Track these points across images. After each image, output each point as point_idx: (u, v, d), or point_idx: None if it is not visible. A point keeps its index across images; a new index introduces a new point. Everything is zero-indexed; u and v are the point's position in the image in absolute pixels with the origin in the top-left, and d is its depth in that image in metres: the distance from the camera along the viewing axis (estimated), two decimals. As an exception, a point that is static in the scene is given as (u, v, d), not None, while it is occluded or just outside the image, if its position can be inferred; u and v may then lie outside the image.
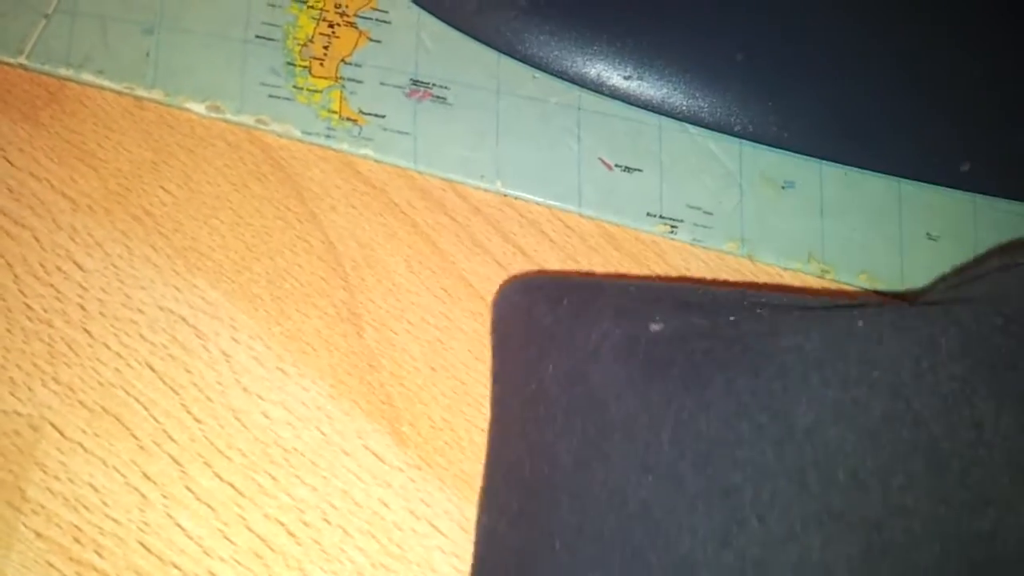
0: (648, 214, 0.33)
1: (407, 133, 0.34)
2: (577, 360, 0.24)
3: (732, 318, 0.23)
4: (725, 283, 0.33)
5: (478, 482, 0.29)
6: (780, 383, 0.21)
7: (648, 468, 0.21)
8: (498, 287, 0.31)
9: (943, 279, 0.31)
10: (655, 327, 0.23)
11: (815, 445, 0.21)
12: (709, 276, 0.33)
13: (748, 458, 0.21)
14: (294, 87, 0.34)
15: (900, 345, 0.21)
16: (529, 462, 0.24)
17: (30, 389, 0.29)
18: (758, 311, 0.23)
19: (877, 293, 0.33)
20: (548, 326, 0.25)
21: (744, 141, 0.34)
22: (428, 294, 0.32)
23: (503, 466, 0.26)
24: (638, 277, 0.32)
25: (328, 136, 0.33)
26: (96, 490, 0.28)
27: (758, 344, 0.22)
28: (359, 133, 0.33)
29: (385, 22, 0.35)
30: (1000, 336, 0.21)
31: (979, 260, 0.32)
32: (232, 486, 0.29)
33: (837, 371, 0.21)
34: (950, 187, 0.35)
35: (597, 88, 0.34)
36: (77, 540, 0.28)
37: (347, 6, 0.35)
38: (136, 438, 0.29)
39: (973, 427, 0.20)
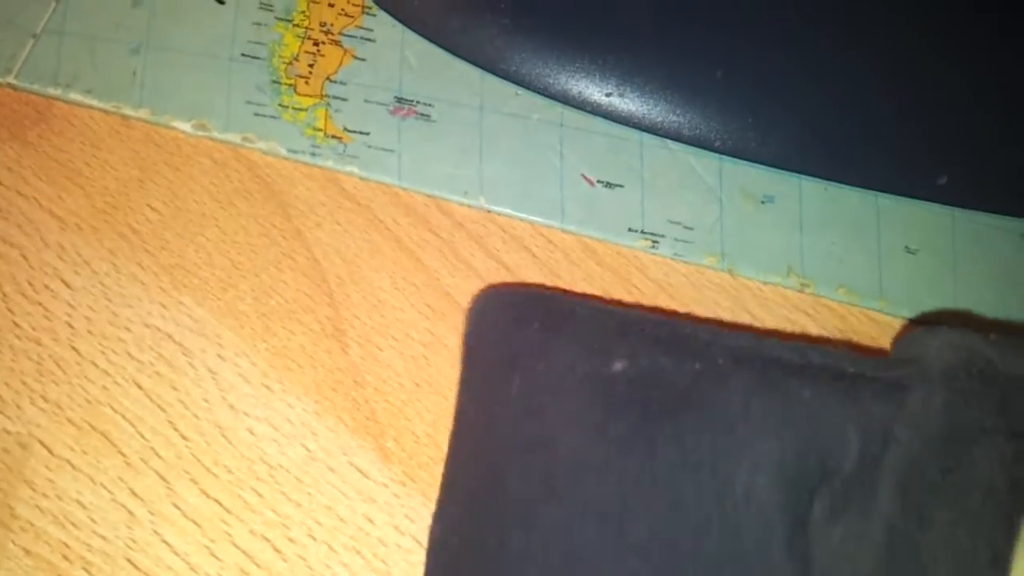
0: (629, 229, 0.34)
1: (391, 150, 0.34)
2: (538, 391, 0.24)
3: (697, 366, 0.23)
4: (699, 319, 0.33)
5: (461, 497, 0.30)
6: (725, 440, 0.22)
7: (592, 513, 0.22)
8: (475, 294, 0.31)
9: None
10: (618, 366, 0.23)
11: (752, 505, 0.21)
12: (690, 289, 0.34)
13: (689, 513, 0.22)
14: (280, 105, 0.34)
15: (839, 422, 0.22)
16: (482, 487, 0.25)
17: (18, 407, 0.30)
18: (720, 361, 0.23)
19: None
20: (517, 349, 0.25)
21: (724, 156, 0.35)
22: (412, 310, 0.32)
23: (459, 482, 0.26)
24: (615, 301, 0.33)
25: (313, 154, 0.34)
26: (84, 507, 0.29)
27: (711, 400, 0.22)
28: (344, 151, 0.34)
29: (370, 40, 0.35)
30: (944, 425, 0.21)
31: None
32: (218, 503, 0.29)
33: (778, 438, 0.22)
34: (928, 200, 0.35)
35: (579, 105, 0.35)
36: (65, 557, 0.28)
37: (332, 24, 0.35)
38: (123, 455, 0.29)
39: (916, 520, 0.21)
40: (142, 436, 0.30)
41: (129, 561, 0.28)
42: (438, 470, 0.30)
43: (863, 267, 0.34)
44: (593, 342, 0.24)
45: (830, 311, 0.34)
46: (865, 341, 0.34)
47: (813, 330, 0.33)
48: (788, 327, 0.33)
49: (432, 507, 0.29)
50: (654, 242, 0.34)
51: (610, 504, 0.22)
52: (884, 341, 0.34)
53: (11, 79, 0.34)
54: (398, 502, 0.30)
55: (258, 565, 0.29)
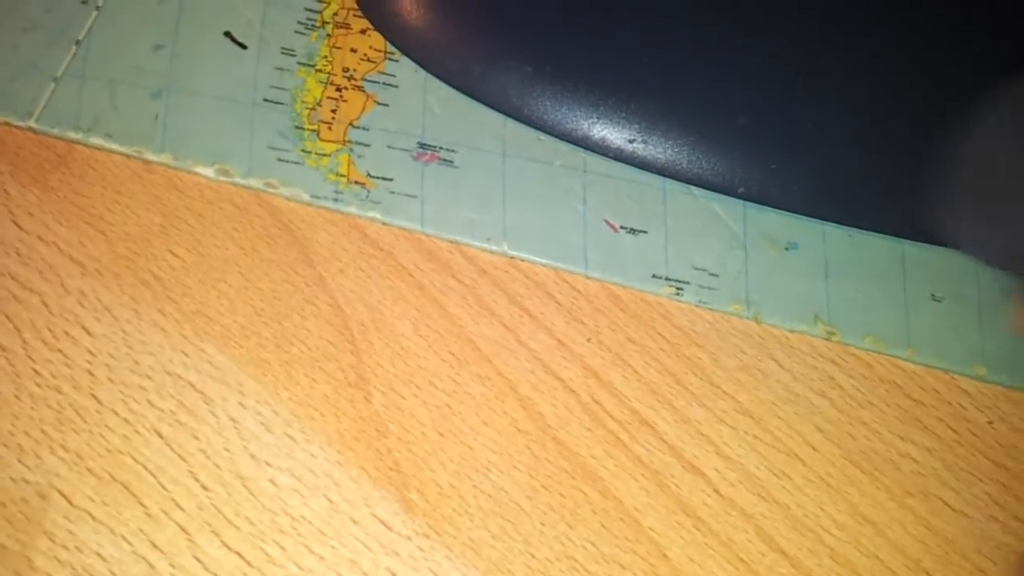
0: (653, 276, 0.34)
1: (414, 196, 0.34)
2: None
3: None
4: None
5: (486, 551, 0.29)
6: None
7: None
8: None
9: None
10: None
11: None
12: (715, 337, 0.33)
13: None
14: (302, 151, 0.34)
15: None
16: None
17: (38, 456, 0.29)
18: None
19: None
20: None
21: (747, 202, 0.35)
22: (436, 357, 0.32)
23: None
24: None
25: (336, 199, 0.33)
26: (104, 559, 0.28)
27: None
28: (367, 196, 0.34)
29: (392, 86, 0.35)
30: None
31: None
32: (240, 555, 0.29)
33: None
34: (953, 248, 0.35)
35: (602, 150, 0.35)
36: (84, 611, 0.28)
37: (355, 70, 0.35)
38: (144, 506, 0.29)
39: None
40: (163, 487, 0.29)
41: (149, 616, 0.28)
42: (463, 523, 0.30)
43: (890, 315, 0.34)
44: None
45: (857, 359, 0.34)
46: (892, 391, 0.33)
47: (841, 379, 0.33)
48: (815, 376, 0.33)
49: (456, 561, 0.29)
50: (678, 289, 0.34)
51: None
52: (912, 390, 0.33)
53: (32, 123, 0.34)
54: (422, 555, 0.29)
55: (281, 621, 0.28)
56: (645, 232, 0.34)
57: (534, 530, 0.30)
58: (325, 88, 0.35)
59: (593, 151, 0.35)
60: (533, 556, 0.30)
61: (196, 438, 0.30)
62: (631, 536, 0.30)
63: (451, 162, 0.34)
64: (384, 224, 0.34)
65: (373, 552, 0.29)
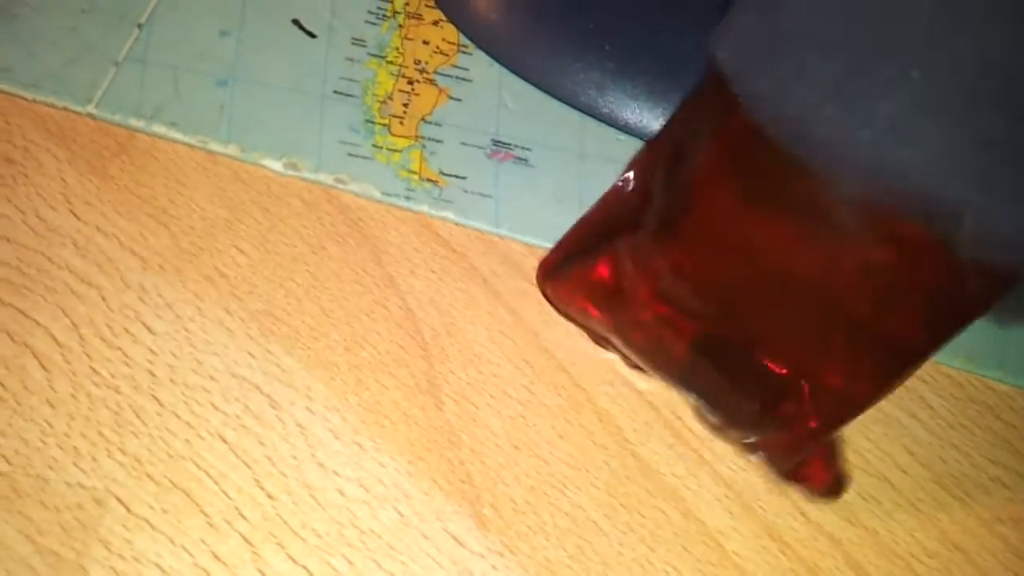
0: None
1: (488, 196, 0.32)
2: None
3: None
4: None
5: (563, 572, 0.28)
6: None
7: None
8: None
9: None
10: None
11: None
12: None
13: None
14: (373, 145, 0.32)
15: None
16: None
17: (95, 460, 0.28)
18: None
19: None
20: None
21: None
22: (510, 366, 0.30)
23: None
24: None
25: (408, 197, 0.32)
26: (163, 570, 0.27)
27: None
28: (439, 195, 0.32)
29: (466, 80, 0.34)
30: None
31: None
32: (306, 569, 0.27)
33: None
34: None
35: (684, 153, 0.33)
36: (144, 625, 0.26)
37: (427, 63, 0.34)
38: (206, 515, 0.28)
39: None
40: (226, 495, 0.28)
41: (212, 631, 0.27)
42: (539, 541, 0.28)
43: (982, 334, 0.32)
44: None
45: (948, 379, 0.32)
46: (983, 412, 0.32)
47: (931, 399, 0.32)
48: (905, 395, 0.32)
49: (537, 582, 0.27)
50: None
51: None
52: (1003, 412, 0.32)
53: (91, 108, 0.32)
54: (496, 575, 0.28)
55: (352, 641, 0.27)
56: (727, 240, 0.33)
57: (612, 551, 0.28)
58: (396, 81, 0.34)
59: (674, 154, 0.33)
60: (611, 578, 0.28)
61: (262, 444, 0.29)
62: (715, 560, 0.29)
63: (526, 160, 0.33)
64: (457, 224, 0.32)
65: (445, 569, 0.28)
